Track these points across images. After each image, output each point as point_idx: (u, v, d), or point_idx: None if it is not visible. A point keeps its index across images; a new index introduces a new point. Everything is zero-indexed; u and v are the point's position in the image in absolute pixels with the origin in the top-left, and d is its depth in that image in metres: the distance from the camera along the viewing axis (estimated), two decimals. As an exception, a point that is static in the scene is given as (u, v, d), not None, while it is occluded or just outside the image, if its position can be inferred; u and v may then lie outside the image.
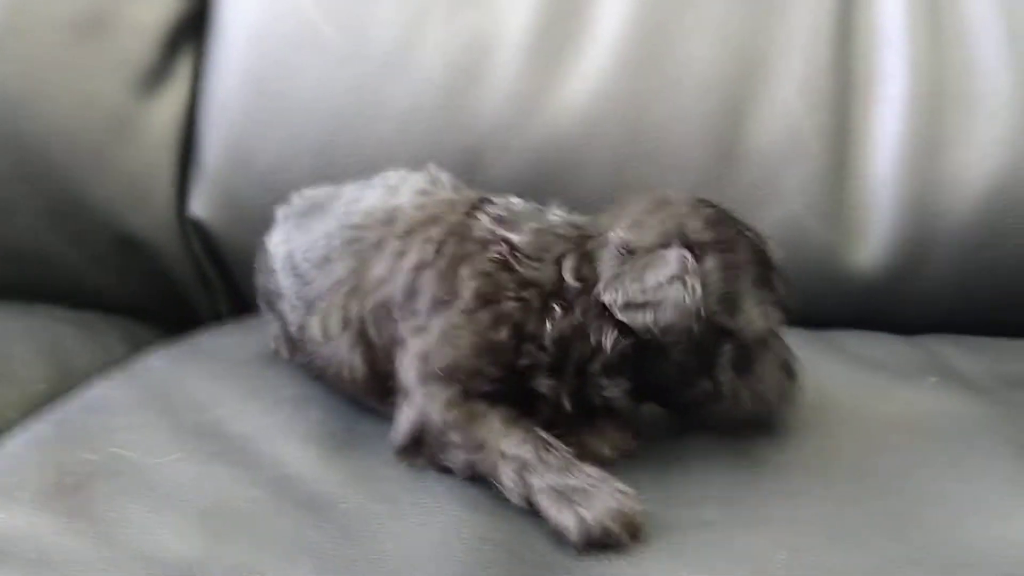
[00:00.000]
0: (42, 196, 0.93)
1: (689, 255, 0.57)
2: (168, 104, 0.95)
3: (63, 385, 0.80)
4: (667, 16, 0.86)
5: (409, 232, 0.66)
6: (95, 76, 0.92)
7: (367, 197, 0.71)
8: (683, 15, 0.86)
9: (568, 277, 0.60)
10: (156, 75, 0.94)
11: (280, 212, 0.78)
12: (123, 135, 0.93)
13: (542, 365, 0.61)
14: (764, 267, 0.61)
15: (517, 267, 0.61)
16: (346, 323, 0.66)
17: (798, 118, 0.85)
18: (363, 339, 0.66)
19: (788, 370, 0.63)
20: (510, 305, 0.61)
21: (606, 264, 0.59)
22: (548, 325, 0.60)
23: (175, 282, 0.97)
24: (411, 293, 0.63)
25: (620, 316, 0.57)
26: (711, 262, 0.58)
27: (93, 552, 0.51)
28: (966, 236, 0.85)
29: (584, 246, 0.61)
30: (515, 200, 0.67)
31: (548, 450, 0.57)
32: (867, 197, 0.85)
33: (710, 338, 0.58)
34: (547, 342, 0.60)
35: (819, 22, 0.86)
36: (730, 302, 0.58)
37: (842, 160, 0.85)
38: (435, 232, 0.64)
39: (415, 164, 0.84)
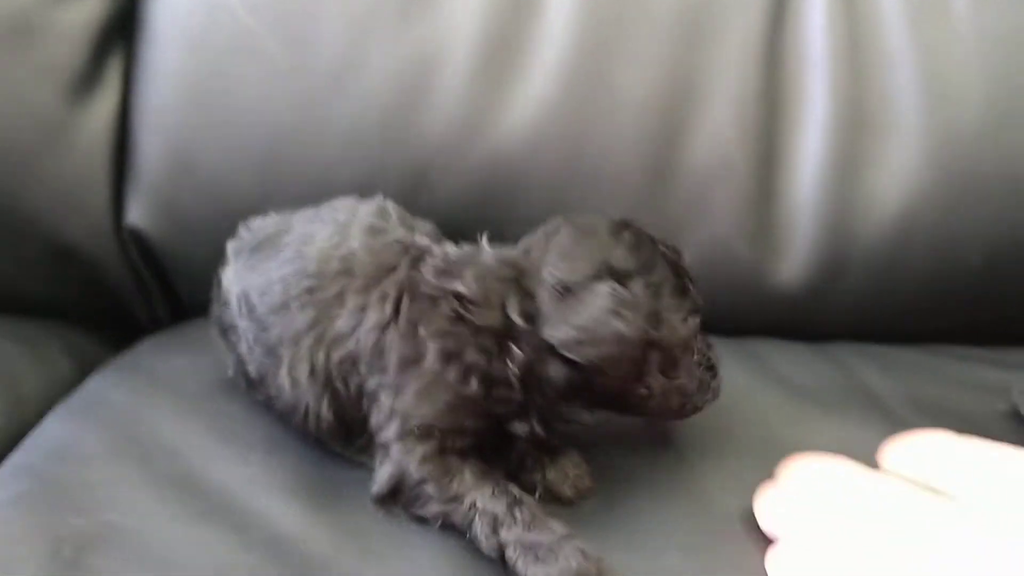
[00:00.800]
0: (-33, 206, 0.91)
1: (619, 287, 0.61)
2: (100, 110, 0.92)
3: (17, 416, 0.80)
4: (607, 43, 0.88)
5: (366, 287, 0.68)
6: (22, 82, 0.89)
7: (318, 236, 0.72)
8: (622, 43, 0.88)
9: (516, 319, 0.63)
10: (86, 80, 0.91)
11: (230, 247, 0.78)
12: (54, 143, 0.90)
13: (514, 406, 0.65)
14: (680, 278, 0.65)
15: (470, 318, 0.64)
16: (312, 373, 0.69)
17: (728, 143, 0.89)
18: (329, 389, 0.69)
19: (709, 367, 0.68)
20: (473, 356, 0.64)
21: (545, 303, 0.62)
22: (512, 366, 0.63)
23: (112, 290, 0.96)
24: (377, 352, 0.66)
25: (566, 353, 0.61)
26: (637, 286, 0.62)
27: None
28: (878, 254, 0.91)
29: (522, 284, 0.64)
30: (449, 248, 0.70)
31: (517, 505, 0.61)
32: (789, 218, 0.91)
33: (640, 352, 0.62)
34: (514, 383, 0.64)
35: (749, 48, 0.89)
36: (654, 317, 0.62)
37: (768, 183, 0.90)
38: (390, 288, 0.67)
39: (361, 181, 0.87)
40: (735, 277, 0.91)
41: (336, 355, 0.68)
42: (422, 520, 0.64)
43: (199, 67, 0.90)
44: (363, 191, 0.88)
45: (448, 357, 0.64)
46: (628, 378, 0.63)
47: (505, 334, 0.63)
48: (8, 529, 0.62)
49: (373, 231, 0.72)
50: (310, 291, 0.69)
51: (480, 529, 0.61)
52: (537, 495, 0.66)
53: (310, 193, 0.87)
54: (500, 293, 0.64)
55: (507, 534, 0.60)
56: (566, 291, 0.62)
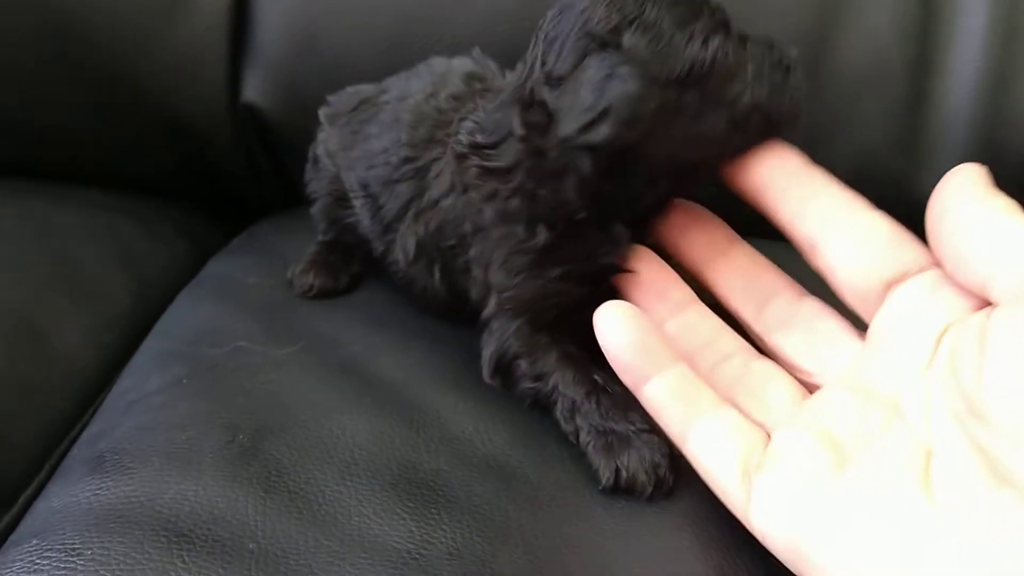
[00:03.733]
0: (83, 77, 0.86)
1: (607, 52, 0.53)
2: (220, -27, 0.86)
3: (144, 298, 0.77)
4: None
5: (443, 152, 0.64)
6: (139, -55, 0.83)
7: (413, 90, 0.69)
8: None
9: (519, 129, 0.57)
10: (207, -59, 0.86)
11: (323, 113, 0.75)
12: (170, 11, 0.85)
13: (593, 228, 0.59)
14: (682, 5, 0.55)
15: (494, 164, 0.59)
16: (419, 246, 0.66)
17: (886, 46, 0.84)
18: (439, 261, 0.65)
19: (775, 64, 0.58)
20: (522, 203, 0.58)
21: (551, 103, 0.55)
22: (564, 193, 0.57)
23: (224, 169, 0.93)
24: (455, 221, 0.63)
25: (581, 142, 0.53)
26: (629, 39, 0.53)
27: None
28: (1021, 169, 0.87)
29: (522, 94, 0.58)
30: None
31: (597, 392, 0.58)
32: (940, 127, 0.86)
33: (674, 100, 0.54)
34: (574, 200, 0.57)
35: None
36: (667, 57, 0.53)
37: (921, 90, 0.85)
38: (447, 157, 0.63)
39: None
40: (881, 187, 0.86)
41: (432, 225, 0.64)
42: (523, 398, 0.62)
43: (328, -68, 0.84)
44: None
45: (504, 216, 0.59)
46: (679, 134, 0.55)
47: (538, 157, 0.57)
48: (175, 413, 0.59)
49: (469, 77, 0.68)
50: (407, 160, 0.66)
51: (560, 412, 0.59)
52: None
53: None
54: (509, 118, 0.58)
55: (582, 420, 0.58)
56: (559, 82, 0.55)
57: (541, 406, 0.61)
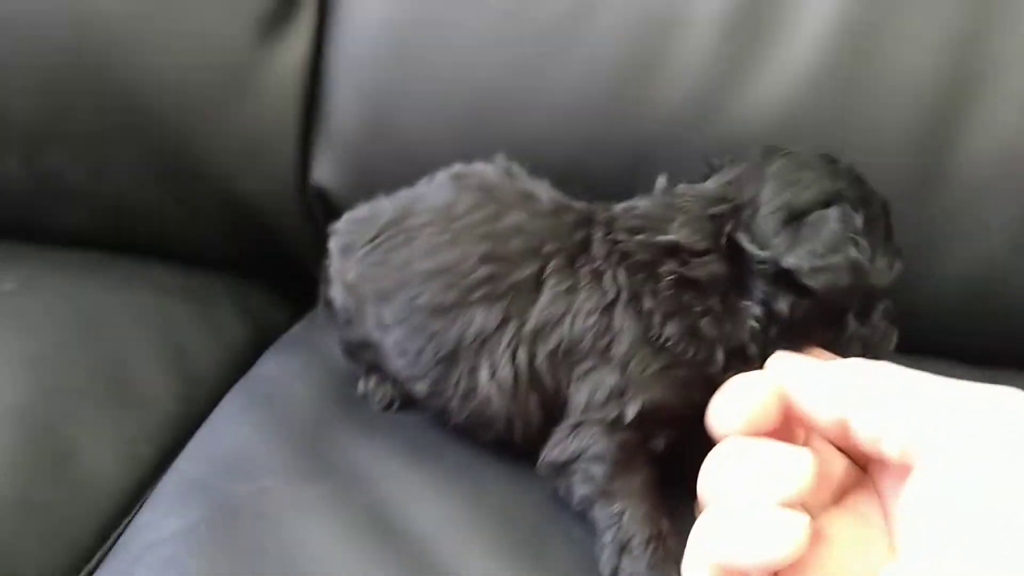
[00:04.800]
0: (147, 150, 0.83)
1: (853, 213, 0.56)
2: (291, 53, 0.82)
3: (188, 401, 0.74)
4: (881, 12, 0.73)
5: (568, 264, 0.60)
6: (209, 18, 0.80)
7: (461, 209, 0.63)
8: (899, 13, 0.73)
9: (749, 247, 0.57)
10: (278, 18, 0.81)
11: (334, 243, 0.69)
12: (240, 86, 0.82)
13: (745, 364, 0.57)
14: (888, 219, 0.61)
15: (694, 274, 0.58)
16: (516, 377, 0.60)
17: (1016, 144, 0.75)
18: (537, 388, 0.60)
19: (892, 316, 0.62)
20: (711, 328, 0.58)
21: (773, 228, 0.57)
22: (752, 311, 0.57)
23: (290, 249, 0.89)
24: (600, 335, 0.59)
25: (806, 280, 0.55)
26: (860, 219, 0.57)
27: None
28: None
29: (740, 216, 0.58)
30: (629, 203, 0.63)
31: (656, 540, 0.56)
32: (1079, 238, 0.77)
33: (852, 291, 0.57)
34: (749, 335, 0.58)
35: (1052, 30, 0.75)
36: (868, 255, 0.57)
37: (1057, 194, 0.76)
38: (600, 260, 0.60)
39: (575, 156, 0.79)
40: (1006, 302, 0.78)
41: (543, 349, 0.59)
42: (567, 497, 0.59)
43: (404, 11, 0.79)
44: (577, 167, 0.78)
45: (688, 335, 0.58)
46: (830, 316, 0.58)
47: (733, 280, 0.58)
48: (185, 571, 0.56)
49: (525, 196, 0.64)
50: (491, 279, 0.60)
51: (609, 539, 0.57)
52: None
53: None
54: (716, 233, 0.58)
55: (628, 562, 0.56)
56: (794, 217, 0.56)
57: (589, 519, 0.58)
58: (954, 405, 0.43)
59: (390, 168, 0.81)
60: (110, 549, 0.63)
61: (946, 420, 0.42)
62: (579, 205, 0.65)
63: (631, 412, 0.58)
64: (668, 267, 0.58)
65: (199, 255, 0.91)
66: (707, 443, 0.52)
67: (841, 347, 0.59)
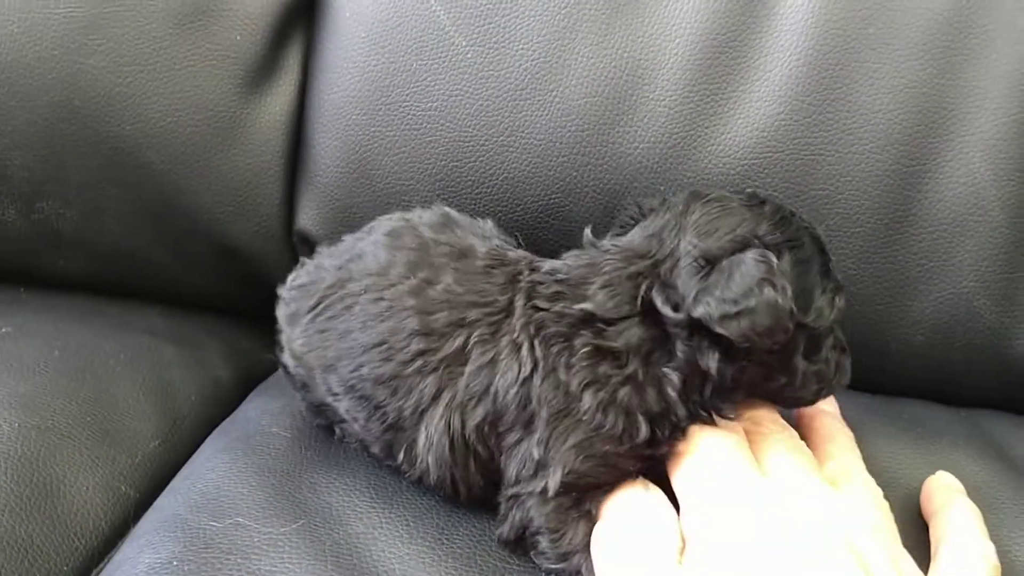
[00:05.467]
0: (138, 199, 0.86)
1: (769, 256, 0.55)
2: (276, 103, 0.86)
3: (172, 441, 0.76)
4: (846, 57, 0.75)
5: (491, 335, 0.60)
6: (196, 69, 0.83)
7: (394, 274, 0.63)
8: (864, 58, 0.75)
9: (665, 310, 0.57)
10: (263, 69, 0.85)
11: (281, 312, 0.70)
12: (226, 136, 0.85)
13: (675, 429, 0.59)
14: (824, 256, 0.60)
15: (610, 345, 0.58)
16: (452, 444, 0.61)
17: (983, 185, 0.76)
18: (472, 453, 0.61)
19: (842, 347, 0.63)
20: (631, 397, 0.58)
21: (686, 280, 0.56)
22: (671, 376, 0.58)
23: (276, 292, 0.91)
24: (521, 407, 0.59)
25: (718, 329, 0.55)
26: (786, 262, 0.57)
27: None
28: None
29: (658, 273, 0.58)
30: (553, 262, 0.64)
31: None
32: (1046, 280, 0.77)
33: (790, 333, 0.56)
34: (674, 398, 0.58)
35: (1012, 76, 0.75)
36: (805, 297, 0.57)
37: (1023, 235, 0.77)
38: (517, 332, 0.60)
39: (550, 200, 0.81)
40: (974, 341, 0.78)
41: (471, 422, 0.60)
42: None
43: (383, 62, 0.82)
44: (552, 211, 0.80)
45: (606, 406, 0.58)
46: (774, 362, 0.59)
47: (656, 343, 0.58)
48: None
49: (459, 255, 0.64)
50: (423, 353, 0.61)
51: None
52: None
53: (493, 210, 0.80)
54: (634, 295, 0.58)
55: None
56: (709, 264, 0.56)
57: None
58: None
59: (371, 212, 0.82)
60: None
61: None
62: (513, 256, 0.65)
63: (552, 485, 0.58)
64: (583, 338, 0.58)
65: (190, 298, 0.94)
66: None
67: (796, 389, 0.61)
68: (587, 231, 0.64)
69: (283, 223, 0.88)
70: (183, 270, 0.91)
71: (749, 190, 0.62)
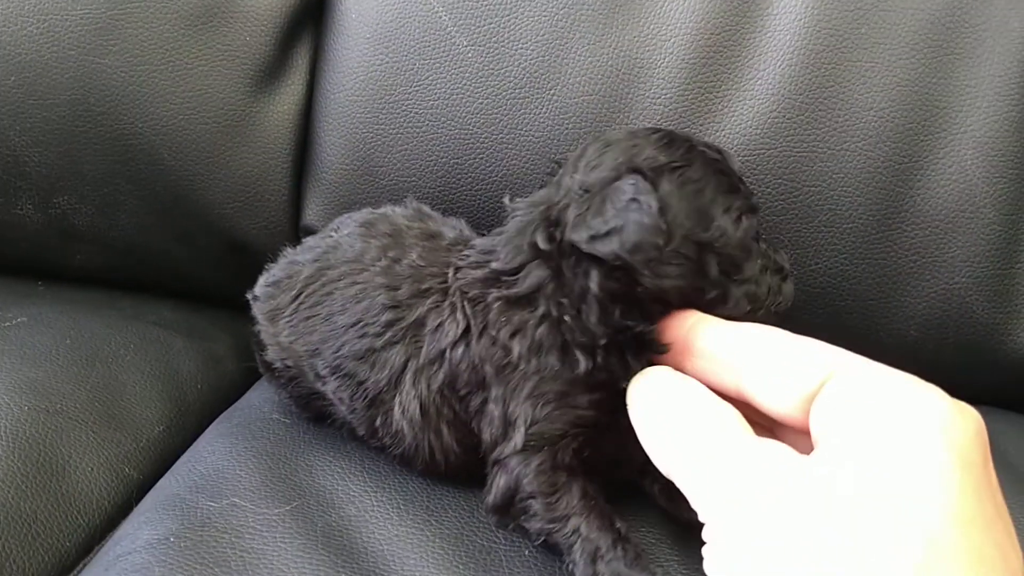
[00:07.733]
0: (149, 195, 0.89)
1: (641, 179, 0.57)
2: (284, 102, 0.88)
3: (176, 427, 0.79)
4: (840, 57, 0.77)
5: (439, 301, 0.64)
6: (205, 69, 0.86)
7: (368, 258, 0.67)
8: (858, 58, 0.76)
9: (542, 244, 0.59)
10: (271, 69, 0.87)
11: (259, 310, 0.73)
12: (236, 134, 0.87)
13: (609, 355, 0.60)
14: (726, 176, 0.61)
15: (513, 292, 0.61)
16: (424, 408, 0.64)
17: (974, 182, 0.77)
18: (446, 418, 0.64)
19: (777, 269, 0.64)
20: (551, 333, 0.60)
21: (571, 215, 0.58)
22: (582, 316, 0.59)
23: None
24: (471, 366, 0.62)
25: (587, 249, 0.56)
26: (668, 183, 0.58)
27: None
28: None
29: (551, 216, 0.60)
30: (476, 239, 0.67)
31: (622, 542, 0.58)
32: (1038, 276, 0.78)
33: (694, 255, 0.58)
34: (595, 324, 0.59)
35: (1004, 74, 0.76)
36: (700, 216, 0.58)
37: (1016, 232, 0.78)
38: (455, 296, 0.63)
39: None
40: (967, 338, 0.79)
41: (435, 383, 0.63)
42: (526, 533, 0.62)
43: (387, 62, 0.84)
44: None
45: (536, 348, 0.60)
46: (688, 281, 0.58)
47: (557, 281, 0.60)
48: None
49: (429, 236, 0.68)
50: (392, 324, 0.64)
51: (579, 555, 0.59)
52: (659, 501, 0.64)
53: (493, 207, 0.82)
54: (530, 241, 0.60)
55: (605, 568, 0.57)
56: (587, 194, 0.58)
57: (551, 546, 0.61)
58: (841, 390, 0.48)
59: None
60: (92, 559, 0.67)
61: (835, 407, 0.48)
62: (463, 235, 0.69)
63: (519, 439, 0.60)
64: (494, 294, 0.61)
65: (201, 292, 0.97)
66: (626, 433, 0.56)
67: (729, 309, 0.61)
68: (505, 199, 0.65)
69: (290, 219, 0.90)
70: (194, 264, 0.94)
71: (651, 126, 0.64)
